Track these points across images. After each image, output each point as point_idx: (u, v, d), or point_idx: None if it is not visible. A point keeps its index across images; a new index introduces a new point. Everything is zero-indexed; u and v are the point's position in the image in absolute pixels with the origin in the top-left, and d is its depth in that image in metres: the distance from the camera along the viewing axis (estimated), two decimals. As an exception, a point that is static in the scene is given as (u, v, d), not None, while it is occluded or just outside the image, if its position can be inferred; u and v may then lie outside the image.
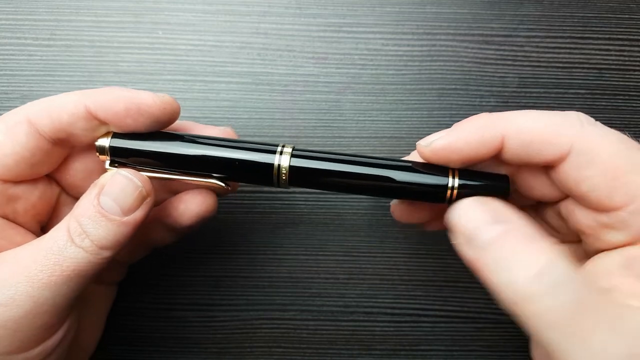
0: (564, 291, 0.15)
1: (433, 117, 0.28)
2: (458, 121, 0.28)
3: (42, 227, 0.22)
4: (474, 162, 0.19)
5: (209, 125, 0.23)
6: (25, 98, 0.28)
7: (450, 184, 0.19)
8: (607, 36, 0.29)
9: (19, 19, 0.28)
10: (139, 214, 0.19)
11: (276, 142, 0.21)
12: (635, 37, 0.29)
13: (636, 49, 0.29)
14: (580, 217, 0.19)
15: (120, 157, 0.20)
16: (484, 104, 0.29)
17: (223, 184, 0.21)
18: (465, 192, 0.19)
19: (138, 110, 0.20)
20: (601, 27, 0.29)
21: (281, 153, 0.20)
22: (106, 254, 0.19)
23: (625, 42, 0.29)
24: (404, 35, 0.29)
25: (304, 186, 0.21)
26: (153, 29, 0.29)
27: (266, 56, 0.29)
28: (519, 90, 0.29)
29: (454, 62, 0.29)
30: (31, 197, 0.21)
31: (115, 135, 0.20)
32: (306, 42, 0.29)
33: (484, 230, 0.17)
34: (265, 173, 0.20)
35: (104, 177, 0.20)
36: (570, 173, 0.18)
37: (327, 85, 0.29)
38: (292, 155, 0.20)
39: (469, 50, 0.29)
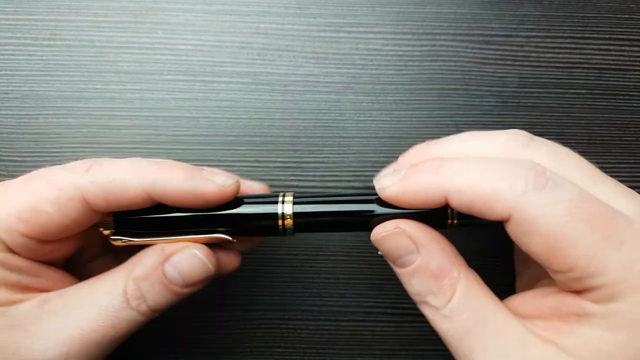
0: (458, 318, 0.18)
1: (433, 117, 0.28)
2: (458, 121, 0.28)
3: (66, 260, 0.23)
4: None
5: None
6: (25, 98, 0.28)
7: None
8: (607, 36, 0.29)
9: (19, 19, 0.28)
10: (196, 288, 0.20)
11: (275, 192, 0.21)
12: (635, 37, 0.29)
13: (636, 49, 0.29)
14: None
15: (123, 230, 0.20)
16: (484, 103, 0.29)
17: (229, 237, 0.21)
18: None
19: (204, 203, 0.20)
20: (601, 27, 0.29)
21: (283, 202, 0.20)
22: (155, 314, 0.20)
23: (625, 42, 0.29)
24: (404, 35, 0.29)
25: (310, 231, 0.21)
26: (153, 29, 0.29)
27: (266, 56, 0.29)
28: (519, 90, 0.29)
29: (454, 62, 0.29)
30: (65, 248, 0.21)
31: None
32: (306, 42, 0.29)
33: (402, 260, 0.19)
34: (270, 226, 0.20)
35: (173, 247, 0.20)
36: (512, 233, 0.18)
37: (327, 85, 0.29)
38: (294, 203, 0.20)
39: (469, 50, 0.29)
